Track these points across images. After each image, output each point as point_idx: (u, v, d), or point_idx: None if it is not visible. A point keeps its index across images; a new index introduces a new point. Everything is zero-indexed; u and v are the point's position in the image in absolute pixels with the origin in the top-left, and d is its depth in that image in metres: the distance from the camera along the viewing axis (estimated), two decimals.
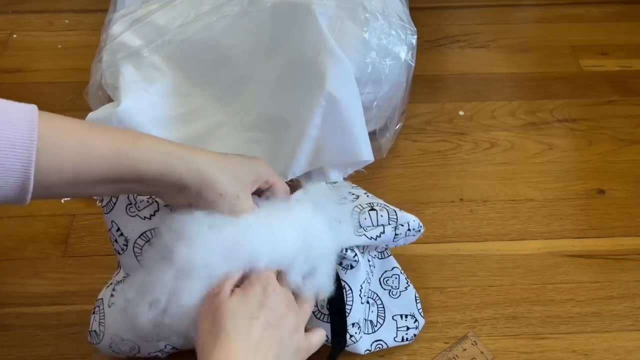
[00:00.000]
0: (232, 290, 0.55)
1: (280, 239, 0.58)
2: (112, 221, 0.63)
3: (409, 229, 0.65)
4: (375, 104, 0.85)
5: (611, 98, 1.02)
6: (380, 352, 0.71)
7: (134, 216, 0.62)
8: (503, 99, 1.02)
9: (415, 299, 0.72)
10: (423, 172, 0.91)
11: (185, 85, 0.88)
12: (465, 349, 0.72)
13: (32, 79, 1.05)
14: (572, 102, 1.02)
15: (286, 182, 0.81)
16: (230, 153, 0.60)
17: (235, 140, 0.87)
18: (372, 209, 0.64)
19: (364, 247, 0.65)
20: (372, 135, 0.84)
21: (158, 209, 0.61)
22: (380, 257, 0.70)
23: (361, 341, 0.67)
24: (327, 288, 0.61)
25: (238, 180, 0.56)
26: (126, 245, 0.62)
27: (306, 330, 0.60)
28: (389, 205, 0.66)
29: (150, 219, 0.61)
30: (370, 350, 0.69)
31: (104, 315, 0.66)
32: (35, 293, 0.77)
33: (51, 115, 0.50)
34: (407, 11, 0.90)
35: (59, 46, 1.11)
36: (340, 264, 0.63)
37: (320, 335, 0.61)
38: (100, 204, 0.62)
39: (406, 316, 0.71)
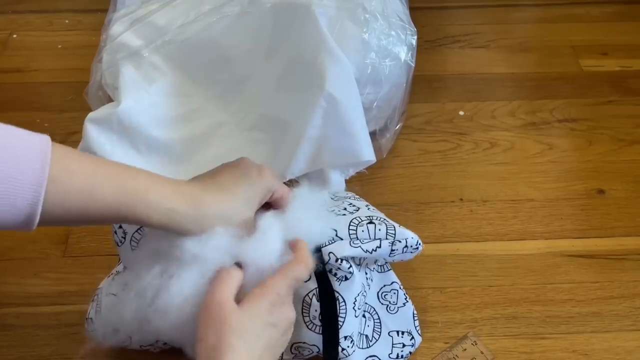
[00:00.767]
0: (236, 298, 0.54)
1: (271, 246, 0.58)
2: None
3: (406, 246, 0.64)
4: (375, 104, 0.85)
5: (611, 98, 1.02)
6: None
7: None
8: (503, 99, 1.02)
9: (413, 316, 0.71)
10: (423, 172, 0.91)
11: (185, 85, 0.88)
12: (465, 349, 0.72)
13: (32, 79, 1.05)
14: (572, 102, 1.02)
15: (284, 182, 0.81)
16: (236, 177, 0.58)
17: (236, 140, 0.86)
18: (371, 222, 0.64)
19: (360, 259, 0.64)
20: (372, 135, 0.84)
21: None
22: (379, 270, 0.69)
23: (354, 355, 0.66)
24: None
25: (245, 210, 0.57)
26: (124, 238, 0.63)
27: None
28: (388, 219, 0.66)
29: None
30: None
31: (101, 304, 0.67)
32: (35, 293, 0.77)
33: (63, 152, 0.49)
34: (407, 11, 0.90)
35: (59, 46, 1.11)
36: (335, 274, 0.62)
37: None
38: None
39: (403, 333, 0.70)
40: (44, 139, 0.48)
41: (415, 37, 0.86)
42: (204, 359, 0.51)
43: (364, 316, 0.68)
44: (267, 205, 0.62)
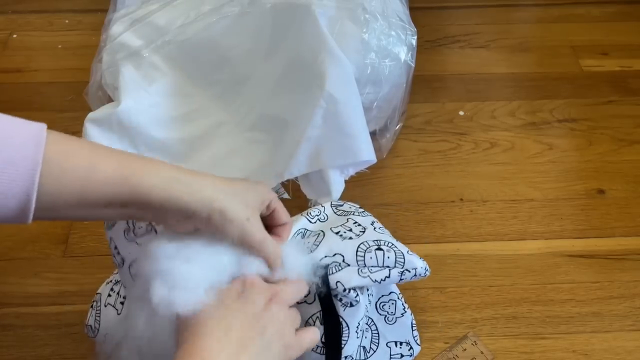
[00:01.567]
0: None
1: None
2: (111, 238, 0.62)
3: (415, 275, 0.62)
4: (375, 104, 0.85)
5: (611, 98, 1.02)
6: None
7: (130, 242, 0.60)
8: (503, 99, 1.02)
9: (412, 326, 0.70)
10: (423, 172, 0.91)
11: (185, 85, 0.88)
12: (465, 349, 0.72)
13: (32, 79, 1.05)
14: (572, 102, 1.02)
15: (283, 182, 0.81)
16: (237, 179, 0.58)
17: (235, 140, 0.86)
18: (379, 248, 0.61)
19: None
20: (372, 135, 0.84)
21: None
22: None
23: None
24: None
25: (246, 205, 0.55)
26: (123, 264, 0.62)
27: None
28: (396, 243, 0.63)
29: None
30: None
31: (99, 313, 0.67)
32: (35, 293, 0.77)
33: (60, 137, 0.49)
34: (407, 12, 0.90)
35: (59, 46, 1.11)
36: (340, 299, 0.60)
37: (313, 334, 0.59)
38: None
39: (401, 343, 0.69)
40: (39, 125, 0.47)
41: (415, 37, 0.86)
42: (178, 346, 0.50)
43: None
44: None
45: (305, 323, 0.61)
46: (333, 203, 0.70)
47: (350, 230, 0.64)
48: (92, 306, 0.68)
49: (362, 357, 0.67)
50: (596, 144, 0.95)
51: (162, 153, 0.84)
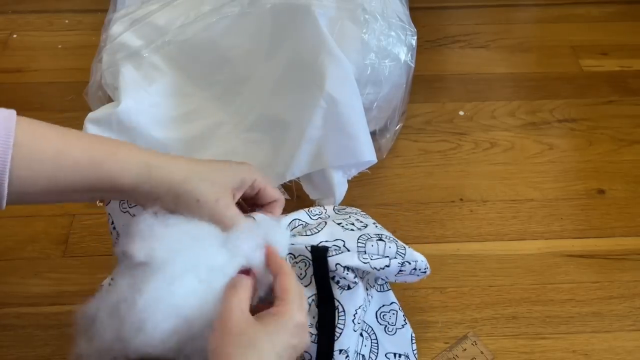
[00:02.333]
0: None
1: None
2: (109, 213, 0.63)
3: (415, 268, 0.62)
4: (375, 105, 0.85)
5: (611, 98, 1.02)
6: None
7: (124, 212, 0.61)
8: (503, 99, 1.02)
9: (411, 339, 0.69)
10: (423, 172, 0.91)
11: (185, 85, 0.88)
12: (465, 349, 0.72)
13: (32, 79, 1.05)
14: (572, 102, 1.02)
15: (285, 183, 0.81)
16: (216, 160, 0.58)
17: (235, 140, 0.86)
18: (381, 239, 0.61)
19: (363, 272, 0.63)
20: (372, 135, 0.84)
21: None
22: (379, 289, 0.68)
23: None
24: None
25: (217, 185, 0.55)
26: (117, 238, 0.62)
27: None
28: (397, 240, 0.63)
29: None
30: None
31: None
32: (35, 293, 0.77)
33: (29, 121, 0.49)
34: (407, 12, 0.90)
35: (59, 46, 1.11)
36: (337, 282, 0.60)
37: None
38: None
39: (400, 355, 0.69)
40: (8, 111, 0.48)
41: (415, 37, 0.86)
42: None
43: (361, 335, 0.66)
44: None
45: None
46: (335, 207, 0.70)
47: (352, 224, 0.64)
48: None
49: None
50: (596, 144, 0.95)
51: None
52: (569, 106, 1.01)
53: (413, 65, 0.87)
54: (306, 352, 0.61)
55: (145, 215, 0.54)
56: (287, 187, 0.84)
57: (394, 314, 0.68)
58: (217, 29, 0.85)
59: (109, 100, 0.88)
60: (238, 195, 0.58)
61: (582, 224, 0.85)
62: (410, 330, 0.70)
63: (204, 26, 0.85)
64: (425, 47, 1.10)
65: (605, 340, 0.73)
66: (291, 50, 0.83)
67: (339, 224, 0.63)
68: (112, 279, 0.68)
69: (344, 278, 0.60)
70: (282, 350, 0.49)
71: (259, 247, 0.56)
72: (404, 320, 0.69)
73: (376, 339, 0.68)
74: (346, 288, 0.60)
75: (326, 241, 0.61)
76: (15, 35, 1.13)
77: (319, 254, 0.60)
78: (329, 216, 0.68)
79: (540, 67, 1.08)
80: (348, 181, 0.83)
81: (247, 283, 0.52)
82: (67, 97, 1.01)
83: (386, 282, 0.69)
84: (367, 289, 0.65)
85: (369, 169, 0.84)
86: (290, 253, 0.62)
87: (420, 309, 0.75)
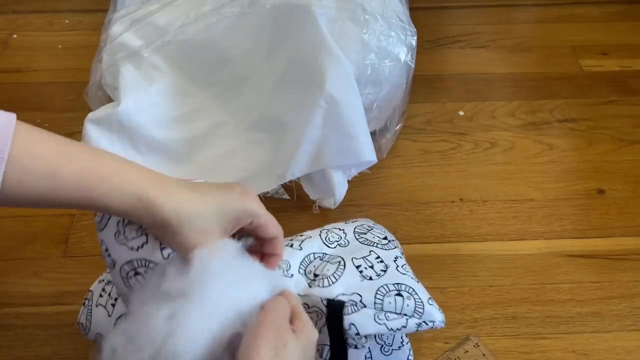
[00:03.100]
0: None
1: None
2: (102, 240, 0.61)
3: (432, 327, 0.60)
4: (375, 105, 0.85)
5: (611, 98, 1.02)
6: None
7: (121, 245, 0.59)
8: (503, 99, 1.02)
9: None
10: (423, 172, 0.91)
11: (185, 85, 0.88)
12: (467, 351, 0.72)
13: (32, 79, 1.05)
14: (572, 102, 1.02)
15: (285, 183, 0.81)
16: (219, 189, 0.55)
17: (235, 140, 0.86)
18: (399, 294, 0.59)
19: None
20: (372, 135, 0.84)
21: (147, 241, 0.58)
22: None
23: None
24: None
25: (202, 232, 0.52)
26: (113, 266, 0.61)
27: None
28: (417, 287, 0.61)
29: (137, 250, 0.58)
30: None
31: (91, 312, 0.66)
32: (35, 293, 0.77)
33: (27, 131, 0.47)
34: (407, 12, 0.90)
35: (59, 46, 1.11)
36: (346, 339, 0.59)
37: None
38: (94, 219, 0.61)
39: None
40: (8, 117, 0.46)
41: (415, 37, 0.86)
42: None
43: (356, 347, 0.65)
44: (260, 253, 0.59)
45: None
46: (356, 229, 0.68)
47: (372, 267, 0.62)
48: (84, 303, 0.68)
49: None
50: (596, 144, 0.95)
51: (162, 153, 0.85)
52: (569, 106, 1.01)
53: (413, 65, 0.87)
54: None
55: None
56: (287, 187, 0.84)
57: (391, 334, 0.66)
58: (217, 29, 0.85)
59: (109, 100, 0.88)
60: (233, 231, 0.55)
61: (582, 224, 0.85)
62: (408, 351, 0.68)
63: (204, 26, 0.85)
64: (425, 47, 1.10)
65: (605, 340, 0.73)
66: (291, 50, 0.83)
67: (357, 267, 0.62)
68: (107, 280, 0.68)
69: (355, 340, 0.59)
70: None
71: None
72: (402, 342, 0.67)
73: (371, 357, 0.66)
74: (354, 347, 0.60)
75: (343, 294, 0.59)
76: (15, 35, 1.13)
77: (335, 311, 0.59)
78: (348, 242, 0.66)
79: (540, 67, 1.08)
80: (348, 181, 0.83)
81: (286, 302, 0.53)
82: (67, 97, 1.01)
83: None
84: None
85: (369, 169, 0.84)
86: (304, 303, 0.60)
87: None
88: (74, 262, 0.80)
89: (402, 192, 0.89)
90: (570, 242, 0.83)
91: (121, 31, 0.88)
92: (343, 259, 0.63)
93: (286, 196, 0.85)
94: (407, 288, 0.60)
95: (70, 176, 0.48)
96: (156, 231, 0.53)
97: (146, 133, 0.83)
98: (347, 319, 0.59)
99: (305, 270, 0.63)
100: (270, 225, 0.57)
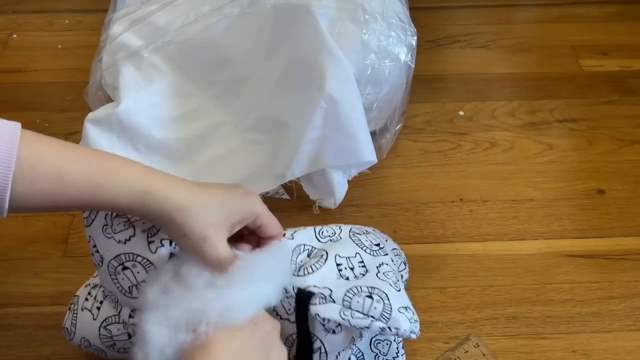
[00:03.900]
0: None
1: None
2: (90, 236, 0.62)
3: (397, 334, 0.59)
4: (375, 105, 0.85)
5: (611, 98, 1.02)
6: None
7: (109, 238, 0.60)
8: (503, 99, 1.02)
9: None
10: (423, 172, 0.91)
11: (185, 85, 0.88)
12: (467, 351, 0.72)
13: (32, 79, 1.05)
14: (572, 102, 1.02)
15: (285, 183, 0.81)
16: (224, 188, 0.57)
17: (235, 140, 0.86)
18: (370, 296, 0.59)
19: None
20: (372, 135, 0.84)
21: (134, 234, 0.59)
22: None
23: None
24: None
25: (210, 223, 0.53)
26: (101, 263, 0.61)
27: None
28: (391, 295, 0.60)
29: (125, 243, 0.59)
30: None
31: (76, 316, 0.66)
32: (35, 293, 0.77)
33: (33, 138, 0.48)
34: (407, 12, 0.90)
35: (59, 46, 1.11)
36: (323, 325, 0.59)
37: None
38: (84, 214, 0.61)
39: None
40: (13, 125, 0.47)
41: (415, 37, 0.86)
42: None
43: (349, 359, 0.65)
44: (257, 241, 0.60)
45: (285, 340, 0.61)
46: (353, 228, 0.68)
47: (352, 269, 0.62)
48: (69, 308, 0.68)
49: None
50: (596, 144, 0.95)
51: (162, 153, 0.85)
52: (569, 106, 1.01)
53: (413, 66, 0.87)
54: None
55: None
56: (287, 187, 0.84)
57: (387, 344, 0.66)
58: (217, 29, 0.85)
59: (109, 100, 0.88)
60: (237, 228, 0.56)
61: (582, 224, 0.85)
62: None
63: (204, 26, 0.85)
64: (425, 47, 1.10)
65: (605, 340, 0.73)
66: (291, 50, 0.83)
67: (338, 265, 0.62)
68: (94, 284, 0.68)
69: (324, 324, 0.59)
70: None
71: None
72: (397, 352, 0.66)
73: None
74: (331, 332, 0.60)
75: (314, 286, 0.60)
76: (15, 35, 1.13)
77: (303, 299, 0.59)
78: (340, 238, 0.66)
79: (540, 67, 1.08)
80: (348, 181, 0.83)
81: None
82: (67, 97, 1.01)
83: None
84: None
85: (369, 169, 0.84)
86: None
87: (420, 309, 0.75)
88: (74, 262, 0.80)
89: (402, 192, 0.89)
90: (570, 242, 0.83)
91: (121, 31, 0.88)
92: (327, 253, 0.63)
93: (286, 196, 0.85)
94: (380, 292, 0.59)
95: (78, 176, 0.49)
96: (163, 223, 0.53)
97: (146, 133, 0.83)
98: (313, 309, 0.59)
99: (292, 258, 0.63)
100: (271, 224, 0.59)
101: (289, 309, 0.61)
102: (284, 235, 0.63)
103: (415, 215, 0.86)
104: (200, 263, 0.55)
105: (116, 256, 0.59)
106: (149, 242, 0.57)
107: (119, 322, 0.64)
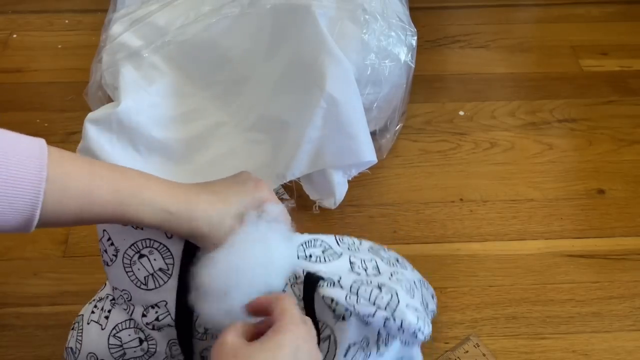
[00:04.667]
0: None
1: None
2: (104, 230, 0.62)
3: (401, 327, 0.57)
4: (375, 105, 0.85)
5: (611, 98, 1.02)
6: None
7: (124, 226, 0.60)
8: (503, 99, 1.02)
9: None
10: (423, 172, 0.91)
11: (185, 85, 0.88)
12: (467, 351, 0.72)
13: (32, 79, 1.05)
14: (572, 102, 1.02)
15: (285, 183, 0.81)
16: (236, 183, 0.59)
17: (235, 140, 0.86)
18: (379, 287, 0.58)
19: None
20: (372, 135, 0.84)
21: None
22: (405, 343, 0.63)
23: None
24: None
25: (231, 228, 0.56)
26: (115, 256, 0.61)
27: None
28: (401, 295, 0.58)
29: (142, 229, 0.60)
30: None
31: (81, 333, 0.65)
32: (35, 293, 0.77)
33: (59, 155, 0.49)
34: (407, 12, 0.90)
35: (59, 46, 1.11)
36: (334, 310, 0.58)
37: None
38: None
39: None
40: (40, 142, 0.48)
41: (415, 37, 0.86)
42: None
43: None
44: None
45: None
46: (373, 246, 0.67)
47: (366, 269, 0.61)
48: (73, 328, 0.67)
49: None
50: (596, 144, 0.95)
51: (162, 153, 0.85)
52: (569, 106, 1.01)
53: (413, 66, 0.87)
54: None
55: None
56: (287, 187, 0.84)
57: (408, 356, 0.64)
58: (217, 29, 0.85)
59: (109, 100, 0.88)
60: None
61: (582, 224, 0.85)
62: None
63: (204, 26, 0.85)
64: (425, 47, 1.10)
65: (605, 340, 0.73)
66: (291, 50, 0.83)
67: (352, 263, 0.61)
68: (100, 297, 0.67)
69: (335, 309, 0.58)
70: None
71: None
72: None
73: None
74: (341, 318, 0.58)
75: (324, 272, 0.59)
76: (15, 35, 1.13)
77: (311, 282, 0.59)
78: (358, 249, 0.65)
79: (540, 67, 1.08)
80: (348, 181, 0.83)
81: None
82: (67, 97, 1.01)
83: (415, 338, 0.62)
84: (384, 343, 0.61)
85: (369, 169, 0.84)
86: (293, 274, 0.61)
87: None
88: (74, 262, 0.80)
89: (402, 192, 0.89)
90: (570, 242, 0.83)
91: (121, 31, 0.88)
92: (342, 254, 0.62)
93: (286, 196, 0.85)
94: (390, 289, 0.58)
95: (104, 193, 0.51)
96: (189, 238, 0.57)
97: (146, 133, 0.83)
98: (320, 291, 0.58)
99: (304, 250, 0.62)
100: (274, 207, 0.60)
101: (300, 295, 0.60)
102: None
103: (415, 215, 0.86)
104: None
105: (132, 244, 0.60)
106: None
107: (129, 327, 0.63)
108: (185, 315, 0.60)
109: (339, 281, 0.59)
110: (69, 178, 0.49)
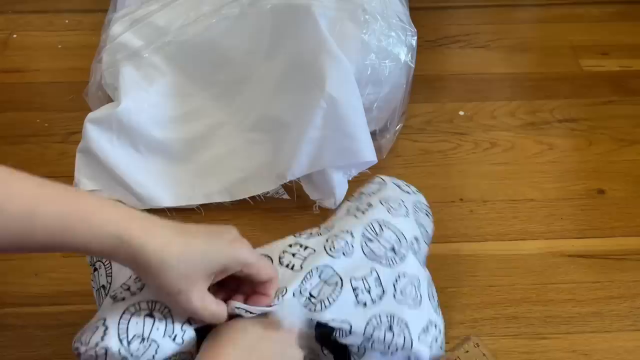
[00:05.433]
0: None
1: None
2: None
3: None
4: (375, 105, 0.85)
5: (611, 98, 1.02)
6: None
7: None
8: (503, 99, 1.02)
9: None
10: (423, 172, 0.91)
11: (185, 85, 0.88)
12: (467, 351, 0.72)
13: (32, 79, 1.05)
14: (572, 102, 1.02)
15: (285, 183, 0.81)
16: (205, 235, 0.52)
17: (235, 140, 0.87)
18: (391, 328, 0.58)
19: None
20: (372, 135, 0.84)
21: None
22: None
23: None
24: None
25: (185, 276, 0.50)
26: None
27: None
28: (410, 322, 0.59)
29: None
30: None
31: (111, 268, 0.61)
32: (35, 293, 0.77)
33: (5, 175, 0.46)
34: (407, 12, 0.90)
35: (59, 46, 1.11)
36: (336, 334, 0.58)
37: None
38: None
39: None
40: None
41: (415, 37, 0.86)
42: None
43: None
44: (250, 288, 0.56)
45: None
46: (365, 233, 0.64)
47: (369, 291, 0.60)
48: (95, 269, 0.62)
49: None
50: (596, 144, 0.95)
51: (162, 153, 0.85)
52: (569, 106, 1.01)
53: (413, 66, 0.87)
54: None
55: None
56: (287, 187, 0.84)
57: None
58: (217, 29, 0.85)
59: (109, 100, 0.88)
60: (220, 277, 0.53)
61: (582, 224, 0.85)
62: None
63: (204, 27, 0.85)
64: (425, 47, 1.10)
65: (605, 340, 0.73)
66: (291, 50, 0.83)
67: (354, 289, 0.59)
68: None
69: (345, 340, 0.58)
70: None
71: None
72: None
73: None
74: (346, 334, 0.58)
75: (333, 320, 0.58)
76: (15, 35, 1.13)
77: (324, 335, 0.58)
78: (352, 248, 0.62)
79: (540, 67, 1.08)
80: (348, 181, 0.83)
81: None
82: (67, 97, 1.01)
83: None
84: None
85: (369, 169, 0.84)
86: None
87: None
88: (74, 262, 0.80)
89: None
90: (570, 242, 0.83)
91: (121, 31, 0.88)
92: (341, 280, 0.60)
93: (286, 196, 0.85)
94: (400, 322, 0.58)
95: (49, 217, 0.46)
96: (138, 273, 0.51)
97: (146, 133, 0.83)
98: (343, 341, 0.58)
99: (300, 290, 0.59)
100: (263, 271, 0.55)
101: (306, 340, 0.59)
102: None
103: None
104: None
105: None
106: None
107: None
108: None
109: (350, 330, 0.58)
110: (10, 199, 0.45)
